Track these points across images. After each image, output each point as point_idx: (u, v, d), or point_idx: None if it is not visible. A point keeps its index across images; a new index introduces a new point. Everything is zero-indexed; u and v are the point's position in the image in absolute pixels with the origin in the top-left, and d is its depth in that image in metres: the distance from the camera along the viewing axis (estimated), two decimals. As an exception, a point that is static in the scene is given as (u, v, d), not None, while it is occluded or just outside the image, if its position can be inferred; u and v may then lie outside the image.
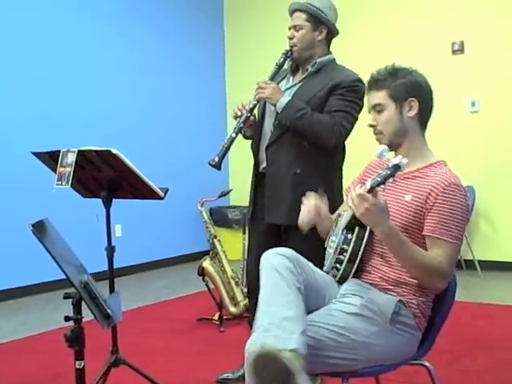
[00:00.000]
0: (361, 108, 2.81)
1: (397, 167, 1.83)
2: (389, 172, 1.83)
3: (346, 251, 2.08)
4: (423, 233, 2.00)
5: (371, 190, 1.86)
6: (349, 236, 2.08)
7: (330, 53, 2.93)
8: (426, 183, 2.04)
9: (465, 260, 5.85)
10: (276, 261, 1.95)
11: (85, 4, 5.91)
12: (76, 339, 1.86)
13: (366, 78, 2.80)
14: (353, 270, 2.09)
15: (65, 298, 1.88)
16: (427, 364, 2.12)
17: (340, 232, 2.12)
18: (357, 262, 2.08)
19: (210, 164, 2.84)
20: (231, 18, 7.48)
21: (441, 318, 2.12)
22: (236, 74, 7.39)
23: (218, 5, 7.48)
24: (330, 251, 2.17)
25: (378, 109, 2.15)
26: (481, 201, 5.78)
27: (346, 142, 2.89)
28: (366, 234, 2.05)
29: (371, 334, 1.96)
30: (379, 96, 2.14)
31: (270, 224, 2.91)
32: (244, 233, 4.68)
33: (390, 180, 1.85)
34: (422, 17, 6.14)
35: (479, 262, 5.64)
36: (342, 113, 2.73)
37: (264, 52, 6.69)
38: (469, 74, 5.91)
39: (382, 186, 1.86)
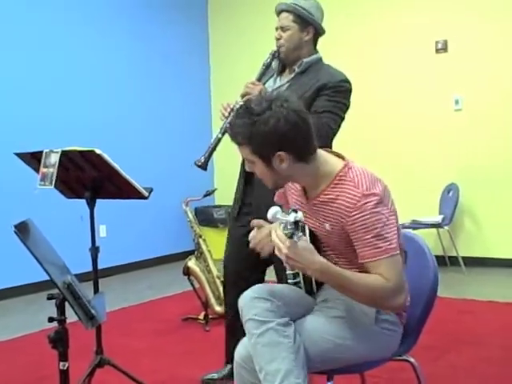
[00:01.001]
0: (347, 108, 2.81)
1: (297, 224, 1.70)
2: (293, 229, 1.70)
3: (298, 274, 2.04)
4: (359, 261, 1.87)
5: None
6: None
7: (316, 52, 2.92)
8: (335, 209, 1.89)
9: (449, 257, 5.89)
10: (254, 309, 1.90)
11: (72, 8, 5.88)
12: (60, 340, 1.86)
13: (350, 78, 2.83)
14: (313, 284, 2.04)
15: (48, 298, 1.87)
16: (412, 360, 2.13)
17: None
18: (313, 278, 2.01)
19: (196, 164, 2.83)
20: (215, 19, 7.46)
21: (423, 313, 2.12)
22: (220, 74, 7.38)
23: (202, 6, 7.46)
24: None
25: (248, 161, 1.95)
26: (465, 198, 5.82)
27: (333, 142, 2.88)
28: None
29: (357, 337, 1.95)
30: (243, 151, 1.92)
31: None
32: (229, 232, 4.69)
33: (300, 234, 1.71)
34: (405, 16, 6.17)
35: (463, 258, 5.67)
36: (329, 113, 2.72)
37: (247, 53, 6.73)
38: (452, 73, 5.95)
39: (295, 239, 1.72)
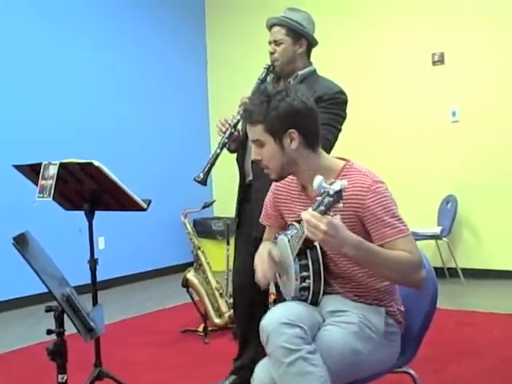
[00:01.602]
0: (344, 119, 2.82)
1: (339, 193, 1.68)
2: (332, 199, 1.69)
3: (308, 277, 1.98)
4: (376, 243, 1.91)
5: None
6: (303, 262, 1.97)
7: (310, 64, 2.94)
8: (346, 198, 1.84)
9: (448, 268, 5.88)
10: (283, 335, 1.82)
11: (68, 15, 5.91)
12: (58, 352, 1.85)
13: (347, 90, 2.85)
14: (321, 287, 2.01)
15: (47, 311, 1.86)
16: (412, 372, 2.13)
17: (292, 262, 1.98)
18: (322, 279, 1.99)
19: (195, 180, 2.85)
20: (213, 31, 7.49)
21: (423, 325, 2.12)
22: (218, 86, 7.40)
23: (200, 17, 7.49)
24: (282, 282, 2.10)
25: (258, 144, 2.01)
26: (463, 210, 5.82)
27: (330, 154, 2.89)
28: (319, 251, 1.97)
29: (370, 351, 1.94)
30: (256, 131, 2.00)
31: (256, 237, 2.89)
32: (228, 244, 4.68)
33: (340, 205, 1.71)
34: (402, 28, 6.20)
35: (462, 270, 5.66)
36: (326, 126, 2.70)
37: (246, 65, 6.73)
38: (449, 85, 5.97)
39: (331, 214, 1.73)
